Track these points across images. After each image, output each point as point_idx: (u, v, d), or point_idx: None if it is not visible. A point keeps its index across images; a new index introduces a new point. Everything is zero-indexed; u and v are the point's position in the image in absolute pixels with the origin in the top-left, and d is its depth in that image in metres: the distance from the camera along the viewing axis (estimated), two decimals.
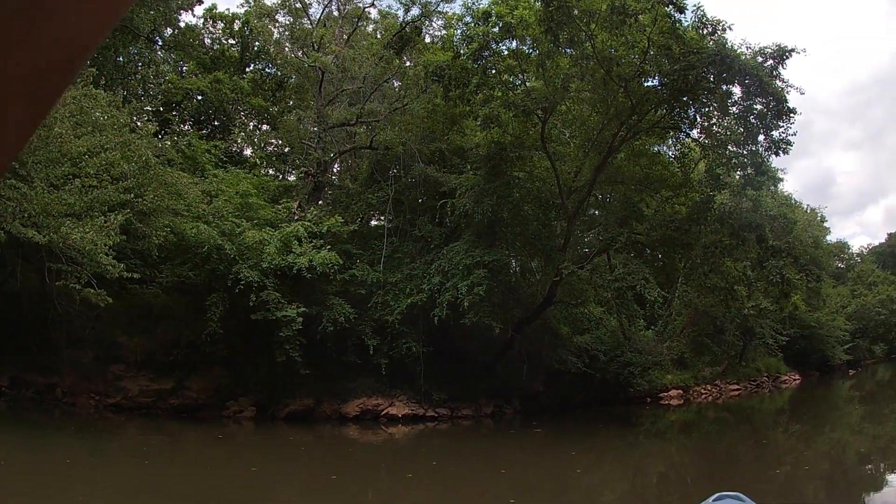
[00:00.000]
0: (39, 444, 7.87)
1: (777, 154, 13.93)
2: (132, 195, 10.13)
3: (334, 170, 20.04)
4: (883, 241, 66.79)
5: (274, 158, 20.24)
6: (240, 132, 20.17)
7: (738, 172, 15.65)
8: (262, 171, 19.09)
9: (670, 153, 16.03)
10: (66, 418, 10.26)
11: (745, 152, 14.27)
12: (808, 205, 31.42)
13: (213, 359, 11.92)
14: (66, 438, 8.67)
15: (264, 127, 21.20)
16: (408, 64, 16.73)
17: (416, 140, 14.65)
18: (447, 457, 9.83)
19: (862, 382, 27.16)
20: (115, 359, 11.67)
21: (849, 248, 40.95)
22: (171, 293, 12.53)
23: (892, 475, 7.28)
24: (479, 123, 13.51)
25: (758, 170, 15.55)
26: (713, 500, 2.16)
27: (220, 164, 15.19)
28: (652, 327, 18.20)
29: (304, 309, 11.74)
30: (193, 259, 11.93)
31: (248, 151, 20.68)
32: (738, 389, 20.37)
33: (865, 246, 61.29)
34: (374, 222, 16.74)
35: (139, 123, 11.42)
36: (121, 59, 17.07)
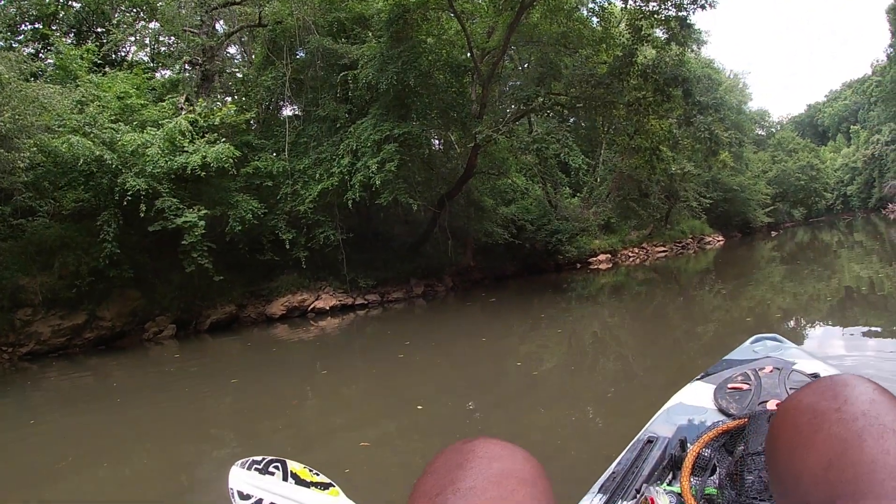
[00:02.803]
0: None
1: (703, 7, 13.12)
2: None
3: (235, 60, 18.00)
4: (802, 111, 69.72)
5: (168, 57, 17.93)
6: (122, 34, 17.47)
7: (661, 30, 14.83)
8: (159, 73, 16.93)
9: (591, 17, 14.93)
10: None
11: (668, 5, 13.37)
12: (731, 70, 31.38)
13: (120, 282, 10.81)
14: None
15: (153, 25, 18.58)
16: None
17: (310, 11, 12.86)
18: (416, 337, 9.16)
19: (782, 244, 28.50)
20: (20, 303, 10.35)
21: (769, 117, 41.95)
22: (64, 221, 11.12)
23: (811, 329, 7.34)
24: None
25: (682, 24, 14.67)
26: (751, 343, 2.11)
27: (96, 69, 13.12)
28: (577, 194, 17.94)
29: (206, 211, 10.59)
30: (78, 178, 10.44)
31: (142, 55, 18.27)
32: (664, 251, 20.69)
33: (785, 115, 63.64)
34: (287, 112, 15.18)
35: None
36: None
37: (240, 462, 1.17)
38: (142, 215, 10.04)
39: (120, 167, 10.17)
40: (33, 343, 10.26)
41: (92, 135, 10.35)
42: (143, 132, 10.85)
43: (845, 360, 4.87)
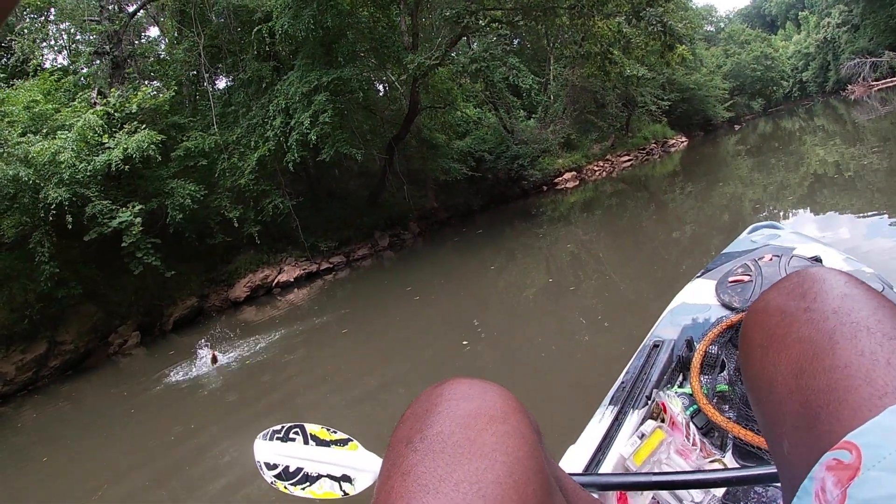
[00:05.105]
0: None
1: None
2: None
3: (161, 43, 16.42)
4: (748, 3, 67.64)
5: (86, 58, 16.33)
6: (27, 41, 15.78)
7: None
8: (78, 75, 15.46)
9: None
10: None
11: None
12: None
13: (72, 300, 9.84)
14: None
15: (66, 25, 16.84)
16: None
17: None
18: (419, 283, 8.40)
19: (745, 137, 27.77)
20: None
21: (716, 12, 40.37)
22: (5, 251, 10.08)
23: (784, 221, 6.83)
24: None
25: None
26: (748, 233, 1.92)
27: (4, 84, 11.76)
28: (533, 115, 16.85)
29: (140, 206, 9.53)
30: (2, 203, 9.31)
31: (60, 59, 16.73)
32: (629, 160, 19.88)
33: (731, 9, 61.71)
34: (219, 83, 13.82)
35: None
36: None
37: (261, 434, 1.16)
38: (69, 227, 9.01)
39: (38, 181, 9.04)
40: (1, 385, 9.44)
41: (5, 154, 9.23)
42: (54, 139, 9.70)
43: (840, 244, 4.37)
